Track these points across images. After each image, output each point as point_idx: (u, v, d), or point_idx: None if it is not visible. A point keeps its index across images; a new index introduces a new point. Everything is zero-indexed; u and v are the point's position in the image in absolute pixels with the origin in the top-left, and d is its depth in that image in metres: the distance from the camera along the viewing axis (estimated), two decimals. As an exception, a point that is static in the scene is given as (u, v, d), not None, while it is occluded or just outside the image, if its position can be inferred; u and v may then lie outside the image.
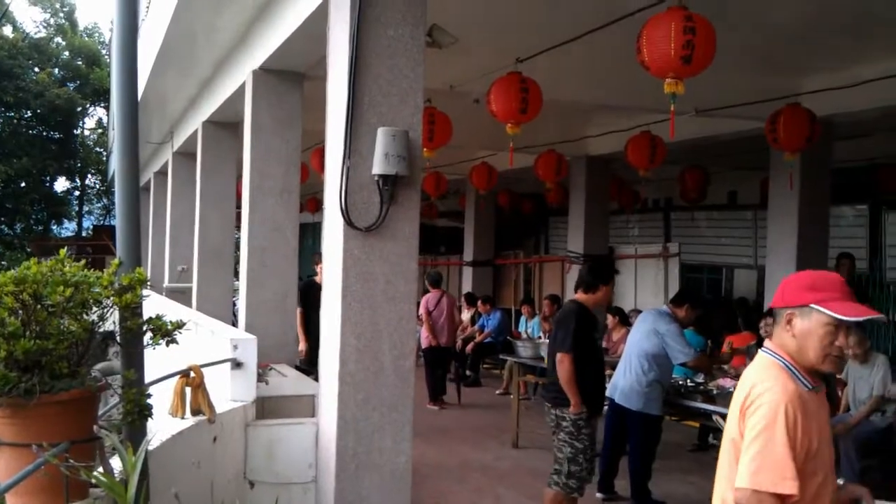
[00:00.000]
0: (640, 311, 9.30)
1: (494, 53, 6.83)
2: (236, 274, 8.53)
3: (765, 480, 2.27)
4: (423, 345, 10.68)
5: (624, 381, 6.51)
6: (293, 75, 6.75)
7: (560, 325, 5.59)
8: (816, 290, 2.45)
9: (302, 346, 8.77)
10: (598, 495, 6.78)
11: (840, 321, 2.38)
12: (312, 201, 18.72)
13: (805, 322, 2.44)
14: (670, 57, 4.83)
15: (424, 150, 6.21)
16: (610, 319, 10.66)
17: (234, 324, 7.64)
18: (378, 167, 4.16)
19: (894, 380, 6.90)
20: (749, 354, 8.07)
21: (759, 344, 7.86)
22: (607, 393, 6.65)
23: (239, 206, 7.75)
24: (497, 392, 11.79)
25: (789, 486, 2.25)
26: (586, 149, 11.92)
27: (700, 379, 7.64)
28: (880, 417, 6.88)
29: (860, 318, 2.37)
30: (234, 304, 9.61)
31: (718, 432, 7.06)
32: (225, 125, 9.47)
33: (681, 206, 14.05)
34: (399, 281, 4.28)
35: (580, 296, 5.71)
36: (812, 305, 2.42)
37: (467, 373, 12.60)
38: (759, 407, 2.36)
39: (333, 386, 4.21)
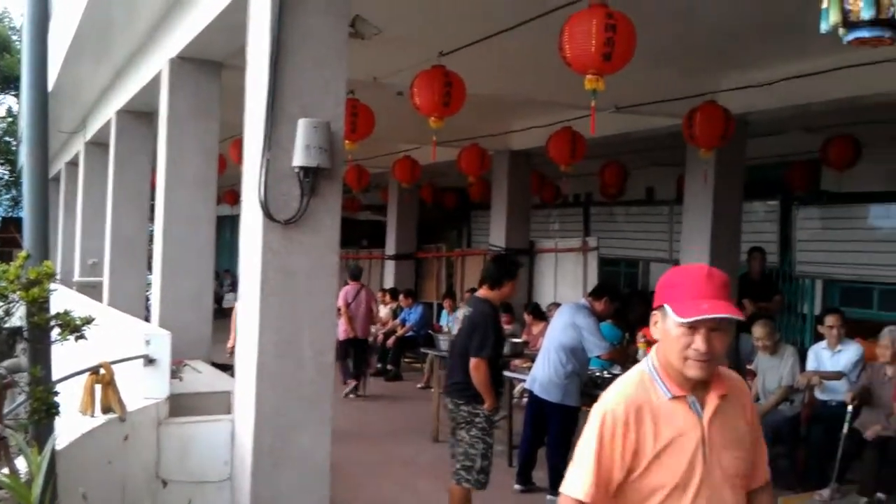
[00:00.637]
0: (559, 305, 9.42)
1: (418, 46, 6.80)
2: (150, 267, 8.32)
3: (568, 484, 2.19)
4: (341, 337, 10.66)
5: (543, 374, 6.58)
6: (211, 64, 6.60)
7: (476, 328, 5.42)
8: (671, 287, 2.22)
9: (230, 343, 8.66)
10: (517, 487, 6.83)
11: (688, 323, 2.11)
12: (230, 193, 18.39)
13: (663, 323, 2.22)
14: (591, 54, 4.88)
15: (347, 142, 6.15)
16: (527, 317, 10.81)
17: (148, 319, 7.45)
18: (299, 159, 4.09)
19: (802, 370, 7.14)
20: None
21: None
22: (527, 385, 6.69)
23: (153, 199, 7.55)
24: (418, 386, 11.77)
25: (579, 492, 2.14)
26: (509, 143, 12.01)
27: (616, 370, 7.77)
28: (789, 407, 7.12)
29: (693, 319, 2.10)
30: (148, 299, 9.38)
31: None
32: (140, 115, 9.22)
33: (600, 201, 14.27)
34: (320, 275, 4.23)
35: (486, 292, 5.59)
36: (665, 305, 2.19)
37: (388, 367, 12.56)
38: (590, 413, 2.23)
39: (251, 382, 4.14)
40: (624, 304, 11.36)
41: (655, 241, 13.32)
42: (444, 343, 9.05)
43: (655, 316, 2.24)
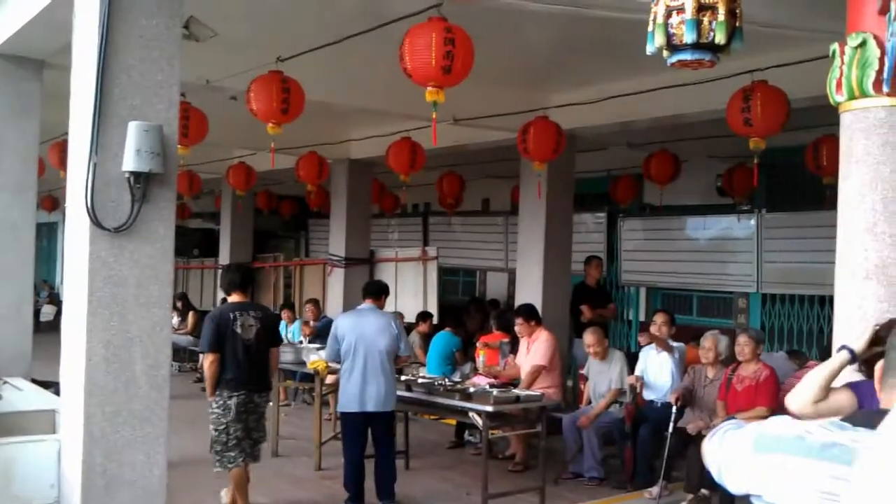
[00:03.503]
0: (401, 314, 9.47)
1: (254, 50, 6.68)
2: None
3: None
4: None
5: (377, 388, 6.30)
6: (32, 62, 6.22)
7: (275, 326, 6.65)
8: None
9: None
10: None
11: None
12: (48, 199, 17.34)
13: None
14: (431, 66, 4.97)
15: (179, 147, 5.94)
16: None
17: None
18: (129, 163, 3.92)
19: (630, 373, 7.50)
20: (501, 351, 8.44)
21: (513, 342, 8.27)
22: (355, 408, 6.34)
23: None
24: (255, 399, 11.49)
25: None
26: (348, 152, 11.96)
27: (457, 378, 7.91)
28: (618, 409, 7.45)
29: None
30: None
31: (475, 429, 7.33)
32: (-51, 113, 8.54)
33: (438, 211, 14.47)
34: (152, 285, 4.06)
35: (241, 297, 6.16)
36: None
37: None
38: None
39: (79, 399, 3.91)
40: (460, 312, 11.56)
41: (492, 250, 13.63)
42: (285, 355, 8.85)
43: None
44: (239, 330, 5.90)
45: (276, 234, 18.42)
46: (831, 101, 3.45)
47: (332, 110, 8.92)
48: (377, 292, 6.80)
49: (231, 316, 5.97)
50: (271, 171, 11.23)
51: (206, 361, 5.94)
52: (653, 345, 7.54)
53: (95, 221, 3.92)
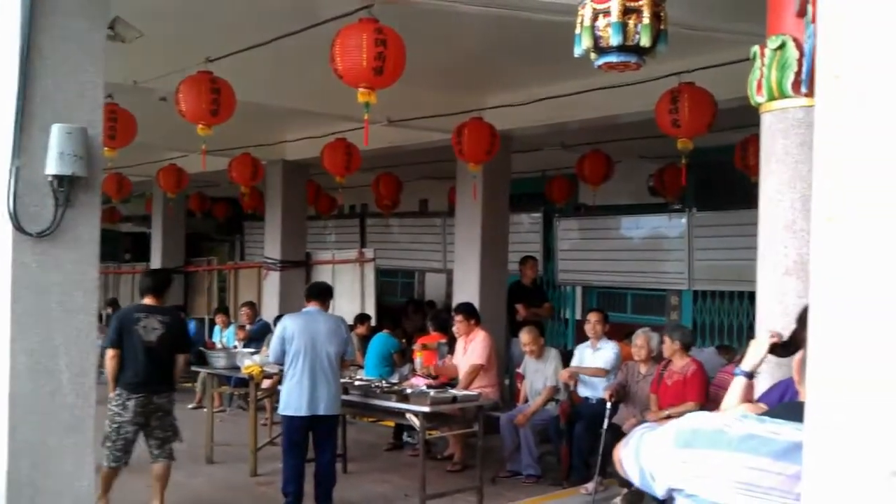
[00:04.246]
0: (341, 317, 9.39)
1: (183, 50, 6.57)
2: None
3: None
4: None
5: (328, 391, 6.26)
6: (-51, 63, 6.01)
7: (183, 330, 6.63)
8: None
9: None
10: None
11: None
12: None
13: None
14: (363, 67, 4.95)
15: (106, 149, 5.81)
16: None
17: None
18: (52, 167, 3.82)
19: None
20: (439, 352, 8.44)
21: (451, 342, 8.29)
22: (302, 412, 6.22)
23: None
24: (189, 406, 11.21)
25: None
26: (283, 153, 11.85)
27: (394, 380, 7.90)
28: (554, 406, 7.53)
29: None
30: None
31: (413, 430, 7.33)
32: None
33: (376, 212, 14.44)
34: (77, 291, 3.96)
35: (154, 300, 6.23)
36: None
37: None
38: None
39: (3, 409, 3.80)
40: (400, 313, 11.53)
41: (430, 251, 13.66)
42: (216, 360, 8.75)
43: None
44: (141, 331, 5.99)
45: (210, 238, 18.15)
46: (752, 101, 3.54)
47: (266, 111, 8.83)
48: (322, 294, 6.72)
49: (135, 316, 6.08)
50: (204, 173, 11.05)
51: (107, 357, 6.00)
52: (588, 342, 7.66)
53: (18, 227, 3.81)
